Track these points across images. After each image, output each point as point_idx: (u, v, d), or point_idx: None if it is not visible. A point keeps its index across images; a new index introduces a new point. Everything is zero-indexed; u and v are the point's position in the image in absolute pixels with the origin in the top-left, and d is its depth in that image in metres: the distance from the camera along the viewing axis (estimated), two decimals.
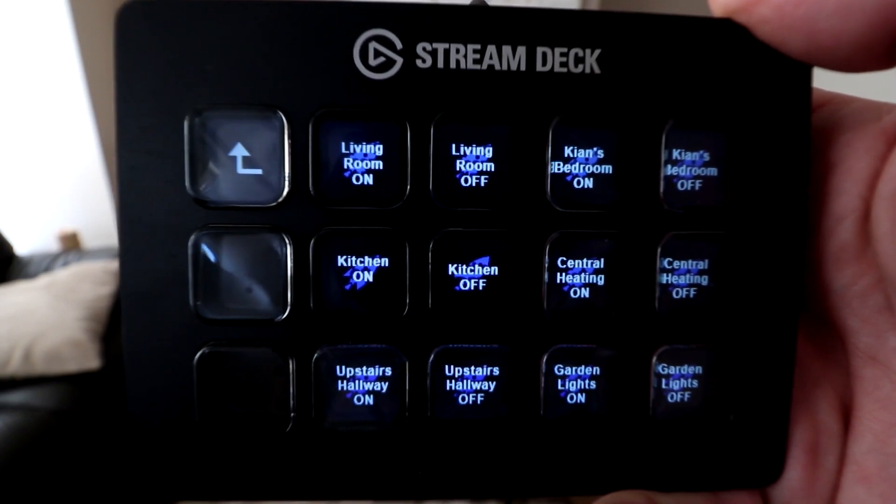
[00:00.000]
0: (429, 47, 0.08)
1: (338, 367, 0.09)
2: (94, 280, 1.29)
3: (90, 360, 1.10)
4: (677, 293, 0.10)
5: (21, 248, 1.59)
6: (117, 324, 1.10)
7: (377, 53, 0.08)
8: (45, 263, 1.45)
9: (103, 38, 1.77)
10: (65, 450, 0.99)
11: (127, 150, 0.09)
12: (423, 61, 0.08)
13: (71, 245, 1.68)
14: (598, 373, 0.10)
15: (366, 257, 0.09)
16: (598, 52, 0.09)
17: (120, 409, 1.02)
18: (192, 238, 0.09)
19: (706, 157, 0.09)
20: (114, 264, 1.38)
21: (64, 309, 1.15)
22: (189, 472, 0.10)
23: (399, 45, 0.08)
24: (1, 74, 1.60)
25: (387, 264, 0.09)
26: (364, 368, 0.09)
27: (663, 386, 0.10)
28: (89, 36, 1.68)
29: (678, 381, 0.10)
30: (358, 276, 0.09)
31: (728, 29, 0.09)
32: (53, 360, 1.06)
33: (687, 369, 0.10)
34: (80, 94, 1.66)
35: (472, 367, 0.09)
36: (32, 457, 0.92)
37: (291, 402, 0.09)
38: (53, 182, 1.76)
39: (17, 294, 1.19)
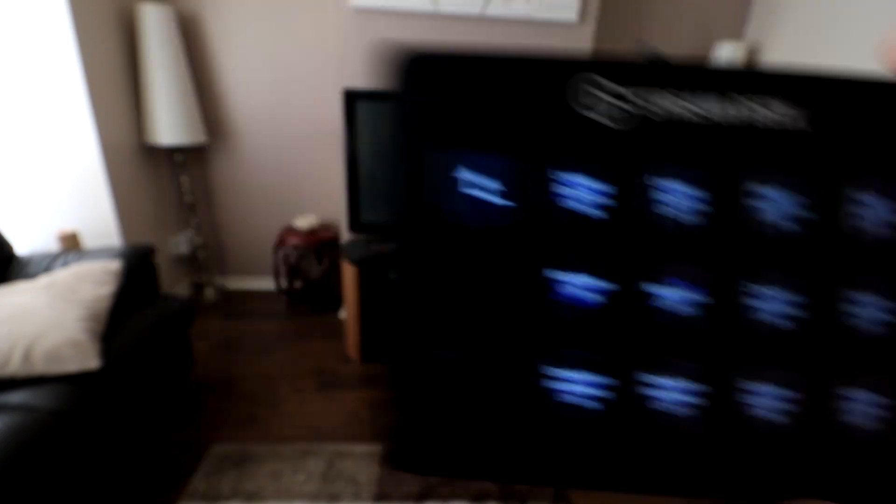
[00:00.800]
0: (653, 99, 0.10)
1: (559, 370, 0.11)
2: (94, 280, 1.29)
3: (90, 360, 1.09)
4: (868, 325, 0.10)
5: (21, 248, 1.59)
6: (117, 324, 1.10)
7: (607, 104, 0.10)
8: (45, 263, 1.45)
9: (103, 38, 1.77)
10: (65, 450, 0.99)
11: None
12: (650, 112, 0.10)
13: (71, 245, 1.68)
14: (796, 394, 0.11)
15: (591, 280, 0.10)
16: (808, 111, 0.10)
17: (120, 410, 1.02)
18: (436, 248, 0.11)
19: None
20: (113, 264, 1.38)
21: (64, 309, 1.15)
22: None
23: (627, 97, 0.10)
24: (1, 75, 1.60)
25: (605, 284, 0.11)
26: (580, 373, 0.11)
27: (854, 409, 0.11)
28: (89, 36, 1.68)
29: (867, 406, 0.11)
30: (578, 293, 0.10)
31: None
32: (53, 360, 1.06)
33: (877, 397, 0.11)
34: (80, 95, 1.66)
35: (682, 383, 0.11)
36: (32, 457, 0.92)
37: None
38: (53, 182, 1.76)
39: (17, 294, 1.19)
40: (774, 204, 0.10)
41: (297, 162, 2.29)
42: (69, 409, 1.02)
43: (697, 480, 0.11)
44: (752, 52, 2.14)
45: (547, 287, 0.10)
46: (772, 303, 0.11)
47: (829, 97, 0.10)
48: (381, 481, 1.35)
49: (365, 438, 1.52)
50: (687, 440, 0.11)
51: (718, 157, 0.10)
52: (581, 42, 1.88)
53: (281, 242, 2.19)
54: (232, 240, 2.45)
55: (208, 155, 2.26)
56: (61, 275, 1.29)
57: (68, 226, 1.76)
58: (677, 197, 0.10)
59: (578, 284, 0.10)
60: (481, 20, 1.82)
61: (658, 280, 0.10)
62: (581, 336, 0.10)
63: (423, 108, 0.10)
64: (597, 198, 0.10)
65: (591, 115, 0.10)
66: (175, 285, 2.37)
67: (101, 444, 1.13)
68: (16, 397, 1.01)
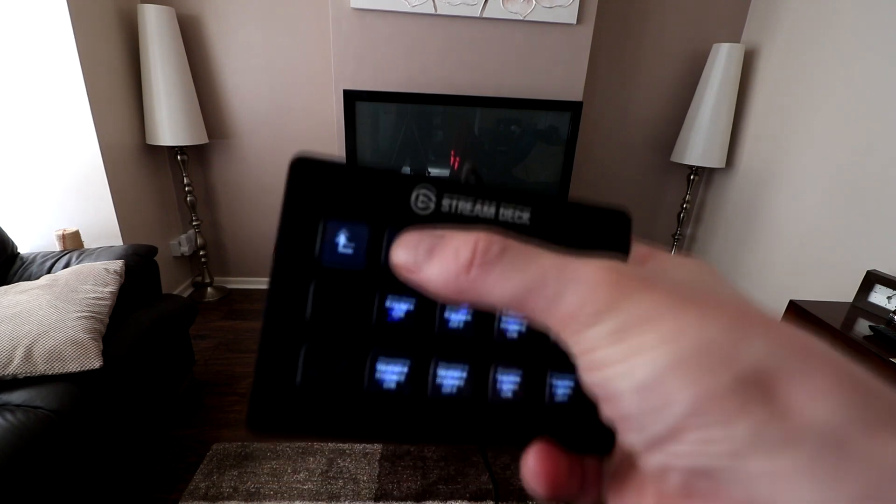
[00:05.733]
0: (448, 200, 0.17)
1: (380, 363, 0.17)
2: (96, 280, 1.30)
3: (91, 360, 1.10)
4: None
5: (22, 247, 1.60)
6: (118, 324, 1.10)
7: (423, 200, 0.17)
8: (47, 263, 1.45)
9: (103, 39, 1.77)
10: (66, 449, 1.00)
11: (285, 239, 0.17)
12: (445, 208, 0.17)
13: (72, 245, 1.68)
14: (520, 378, 0.18)
15: (402, 303, 0.17)
16: (530, 211, 0.17)
17: (120, 409, 1.02)
18: (314, 282, 0.16)
19: None
20: (115, 264, 1.38)
21: (65, 308, 1.16)
22: (291, 417, 0.16)
23: (433, 197, 0.17)
24: (1, 75, 1.61)
25: (413, 307, 0.17)
26: (394, 364, 0.17)
27: (553, 389, 0.18)
28: (89, 36, 1.68)
29: (561, 386, 0.18)
30: (397, 313, 0.17)
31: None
32: (54, 360, 1.07)
33: (566, 380, 0.18)
34: (81, 95, 1.67)
35: (457, 371, 0.17)
36: (33, 457, 0.92)
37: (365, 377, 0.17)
38: (54, 182, 1.77)
39: (19, 293, 1.20)
40: None
41: None
42: (70, 409, 1.03)
43: (464, 433, 0.17)
44: (749, 55, 2.15)
45: (382, 308, 0.17)
46: (510, 325, 0.18)
47: (540, 206, 0.18)
48: (381, 480, 1.36)
49: None
50: (455, 407, 0.17)
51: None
52: (580, 43, 1.89)
53: None
54: (232, 240, 2.46)
55: (209, 155, 2.26)
56: (63, 274, 1.30)
57: (70, 225, 1.77)
58: None
59: (399, 308, 0.17)
60: (480, 21, 1.82)
61: (447, 307, 0.17)
62: (396, 340, 0.17)
63: (320, 193, 0.17)
64: None
65: (417, 209, 0.17)
66: (176, 285, 2.37)
67: (102, 443, 1.13)
68: (17, 397, 1.02)
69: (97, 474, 1.13)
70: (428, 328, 0.17)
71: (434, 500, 1.31)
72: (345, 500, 1.29)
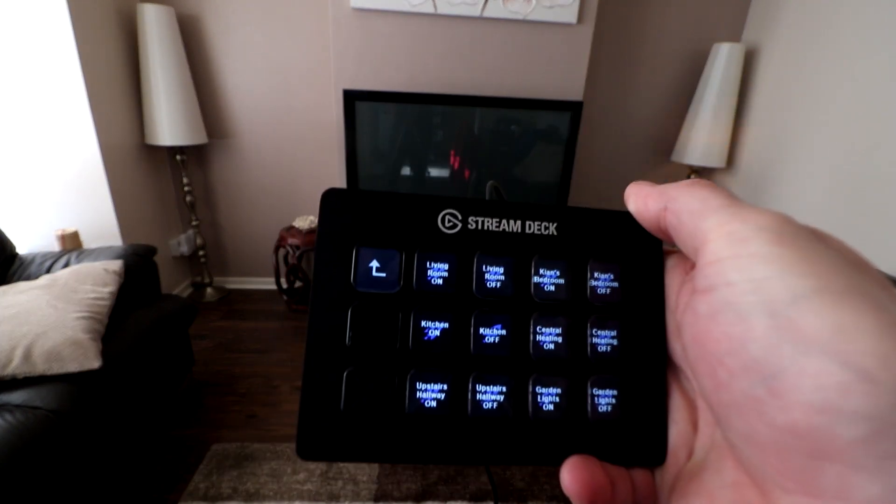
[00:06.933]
0: (474, 219, 0.18)
1: (419, 382, 0.17)
2: (95, 280, 1.29)
3: (91, 360, 1.10)
4: (600, 348, 0.18)
5: (22, 247, 1.60)
6: (118, 324, 1.09)
7: (449, 220, 0.18)
8: (46, 263, 1.45)
9: (103, 38, 1.77)
10: (65, 450, 0.99)
11: (323, 263, 0.17)
12: (472, 226, 0.18)
13: (71, 245, 1.68)
14: (560, 392, 0.17)
15: (437, 322, 0.17)
16: (556, 224, 0.18)
17: (120, 409, 1.01)
18: (351, 307, 0.17)
19: (611, 276, 0.19)
20: (114, 264, 1.38)
21: (65, 308, 1.16)
22: (336, 440, 0.16)
23: (460, 217, 0.18)
24: (1, 75, 1.60)
25: (448, 326, 0.17)
26: (433, 384, 0.17)
27: (595, 401, 0.18)
28: (89, 36, 1.68)
29: (603, 398, 0.18)
30: (432, 332, 0.17)
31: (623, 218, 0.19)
32: (54, 360, 1.06)
33: (608, 391, 0.18)
34: (80, 94, 1.66)
35: (495, 388, 0.17)
36: (32, 457, 0.92)
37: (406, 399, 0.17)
38: (54, 182, 1.76)
39: (18, 294, 1.20)
40: (545, 276, 0.18)
41: (297, 162, 2.30)
42: (69, 409, 1.02)
43: (503, 452, 0.17)
44: (750, 55, 2.15)
45: (417, 329, 0.17)
46: (546, 336, 0.18)
47: (566, 217, 0.18)
48: (381, 481, 1.35)
49: None
50: (496, 425, 0.17)
51: (511, 250, 0.18)
52: (580, 42, 1.88)
53: (281, 242, 2.20)
54: (232, 240, 2.46)
55: (209, 155, 2.26)
56: (62, 274, 1.30)
57: (69, 226, 1.76)
58: (491, 273, 0.18)
59: (434, 328, 0.17)
60: (480, 21, 1.82)
61: (481, 324, 0.17)
62: (433, 360, 0.17)
63: (351, 222, 0.17)
64: (443, 275, 0.17)
65: (444, 229, 0.17)
66: (175, 285, 2.37)
67: (102, 443, 1.13)
68: (16, 397, 1.02)
69: (97, 474, 1.13)
70: (464, 346, 0.17)
71: (434, 500, 1.30)
72: (344, 501, 1.28)
